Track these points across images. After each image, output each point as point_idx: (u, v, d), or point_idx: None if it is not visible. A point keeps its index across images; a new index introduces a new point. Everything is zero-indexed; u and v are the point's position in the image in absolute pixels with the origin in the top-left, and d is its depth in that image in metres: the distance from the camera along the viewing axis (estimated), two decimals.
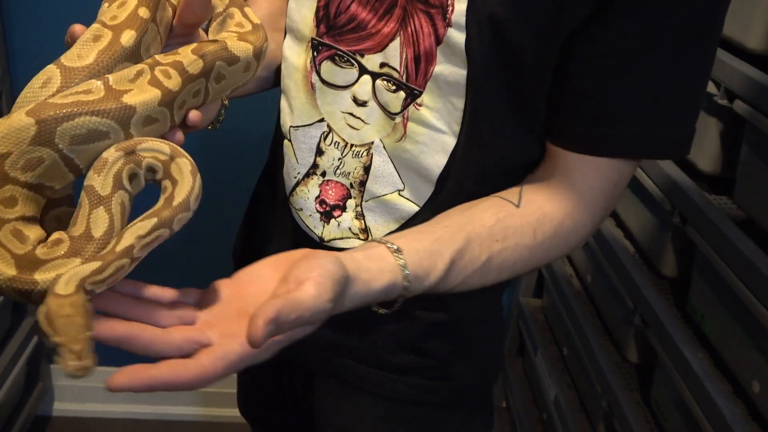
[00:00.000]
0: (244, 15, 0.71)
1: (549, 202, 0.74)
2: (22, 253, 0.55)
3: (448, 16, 0.69)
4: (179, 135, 0.63)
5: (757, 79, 1.05)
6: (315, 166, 0.81)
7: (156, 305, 0.58)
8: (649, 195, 1.31)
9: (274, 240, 0.90)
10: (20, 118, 0.53)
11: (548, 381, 1.67)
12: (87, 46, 0.58)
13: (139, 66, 0.60)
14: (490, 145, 0.74)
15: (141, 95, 0.57)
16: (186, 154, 0.60)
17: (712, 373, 1.10)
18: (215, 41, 0.65)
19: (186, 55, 0.62)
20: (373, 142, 0.77)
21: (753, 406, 1.03)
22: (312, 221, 0.82)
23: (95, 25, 0.60)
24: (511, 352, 1.97)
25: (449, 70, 0.71)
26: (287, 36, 0.82)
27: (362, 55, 0.75)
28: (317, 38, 0.77)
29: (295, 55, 0.80)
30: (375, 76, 0.75)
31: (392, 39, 0.73)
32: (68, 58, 0.58)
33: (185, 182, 0.58)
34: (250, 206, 0.99)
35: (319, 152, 0.80)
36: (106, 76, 0.57)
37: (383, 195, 0.78)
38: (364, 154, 0.78)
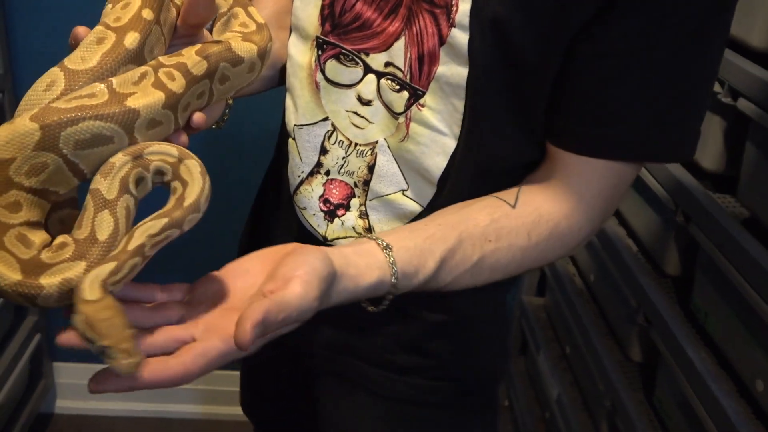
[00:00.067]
0: (249, 15, 0.70)
1: (546, 204, 0.73)
2: (27, 258, 0.55)
3: (452, 16, 0.69)
4: (183, 137, 0.62)
5: (762, 78, 1.05)
6: (319, 164, 0.81)
7: (140, 307, 0.59)
8: (652, 193, 1.30)
9: (278, 238, 0.90)
10: (24, 123, 0.53)
11: (551, 380, 1.67)
12: (90, 49, 0.58)
13: (143, 68, 0.59)
14: (489, 144, 0.74)
15: (145, 98, 0.57)
16: (193, 155, 0.60)
17: (716, 372, 1.09)
18: (219, 42, 0.65)
19: (190, 56, 0.62)
20: (377, 142, 0.77)
21: (757, 405, 1.03)
22: (316, 220, 0.82)
23: (99, 27, 0.60)
24: (513, 351, 1.97)
25: (451, 70, 0.71)
26: (292, 34, 0.81)
27: (367, 54, 0.75)
28: (322, 37, 0.77)
29: (299, 54, 0.80)
30: (380, 75, 0.75)
31: (397, 38, 0.73)
32: (72, 61, 0.58)
33: (195, 183, 0.58)
34: (256, 204, 0.99)
35: (324, 151, 0.80)
36: (110, 78, 0.57)
37: (387, 194, 0.78)
38: (368, 153, 0.77)
